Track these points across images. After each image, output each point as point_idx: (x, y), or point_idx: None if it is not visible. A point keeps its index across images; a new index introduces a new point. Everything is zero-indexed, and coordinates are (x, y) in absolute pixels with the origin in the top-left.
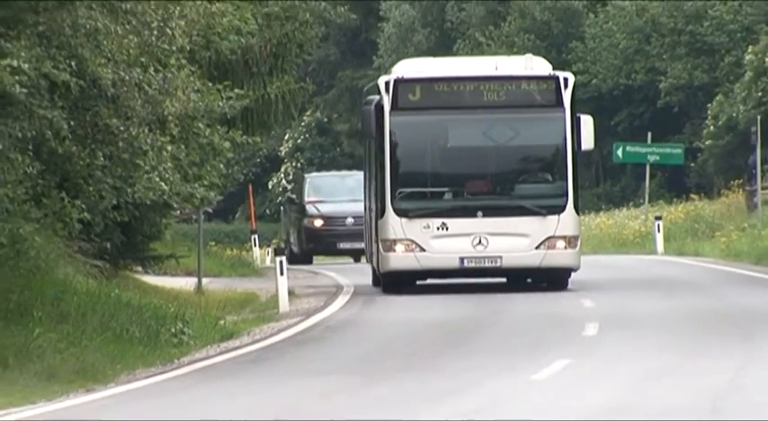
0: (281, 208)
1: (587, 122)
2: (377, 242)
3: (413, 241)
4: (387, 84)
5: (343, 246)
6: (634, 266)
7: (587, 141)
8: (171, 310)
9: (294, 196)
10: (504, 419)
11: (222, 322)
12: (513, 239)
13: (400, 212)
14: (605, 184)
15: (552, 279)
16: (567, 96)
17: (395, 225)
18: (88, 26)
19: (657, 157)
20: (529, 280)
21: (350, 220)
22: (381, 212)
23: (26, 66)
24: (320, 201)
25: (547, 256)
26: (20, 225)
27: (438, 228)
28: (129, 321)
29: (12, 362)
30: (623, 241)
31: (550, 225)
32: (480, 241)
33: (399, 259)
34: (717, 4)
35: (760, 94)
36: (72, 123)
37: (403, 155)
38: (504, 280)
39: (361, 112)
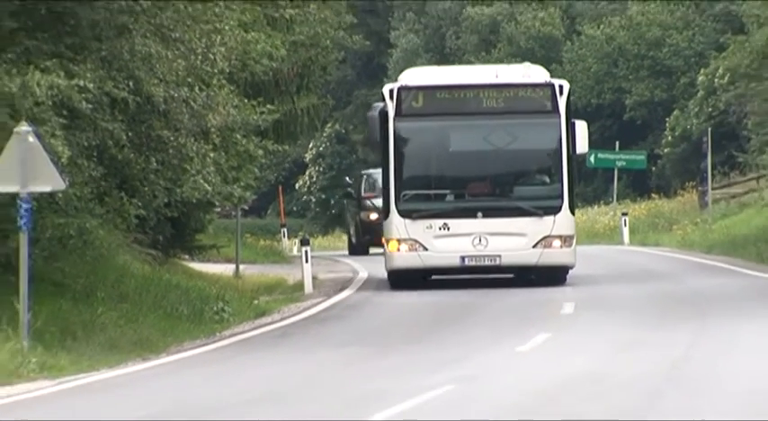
0: (343, 203)
1: (582, 127)
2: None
3: (416, 241)
4: (391, 91)
5: None
6: (604, 255)
7: (582, 145)
8: (213, 292)
9: (353, 192)
10: (494, 384)
11: (256, 302)
12: (512, 239)
13: (404, 213)
14: (580, 185)
15: (550, 276)
16: (562, 102)
17: (399, 225)
18: (143, 52)
19: (624, 163)
20: (533, 276)
21: None
22: (386, 213)
23: (91, 85)
24: (375, 196)
25: (544, 255)
26: (86, 220)
27: (440, 229)
28: (178, 301)
29: (80, 335)
30: (595, 233)
31: (547, 225)
32: (480, 240)
33: (403, 258)
34: (674, 34)
35: (710, 109)
36: (130, 134)
37: (406, 159)
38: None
39: (367, 119)
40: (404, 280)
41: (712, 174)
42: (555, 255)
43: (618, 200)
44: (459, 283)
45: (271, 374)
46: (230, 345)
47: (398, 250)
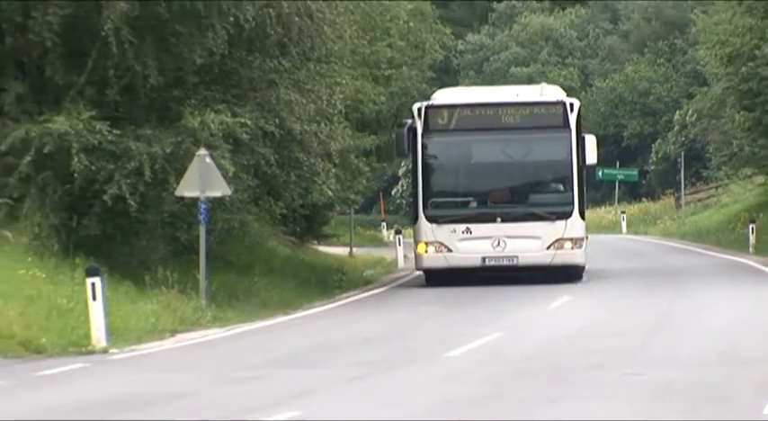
0: None
1: (591, 141)
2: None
3: (442, 243)
4: (419, 109)
5: None
6: (608, 242)
7: (591, 157)
8: (334, 267)
9: None
10: (532, 330)
11: (364, 274)
12: (528, 241)
13: (431, 219)
14: (590, 192)
15: (567, 274)
16: (572, 118)
17: (426, 229)
18: (286, 99)
19: (622, 176)
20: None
21: None
22: (415, 219)
23: (249, 122)
24: None
25: (557, 256)
26: (245, 217)
27: (463, 232)
28: (310, 273)
29: (241, 297)
30: (602, 226)
31: (559, 229)
32: (499, 243)
33: (431, 259)
34: (657, 86)
35: (683, 139)
36: (276, 156)
37: (433, 170)
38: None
39: (397, 134)
40: (431, 279)
41: (684, 184)
42: (567, 255)
43: (618, 202)
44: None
45: (376, 323)
46: (347, 304)
47: (426, 251)
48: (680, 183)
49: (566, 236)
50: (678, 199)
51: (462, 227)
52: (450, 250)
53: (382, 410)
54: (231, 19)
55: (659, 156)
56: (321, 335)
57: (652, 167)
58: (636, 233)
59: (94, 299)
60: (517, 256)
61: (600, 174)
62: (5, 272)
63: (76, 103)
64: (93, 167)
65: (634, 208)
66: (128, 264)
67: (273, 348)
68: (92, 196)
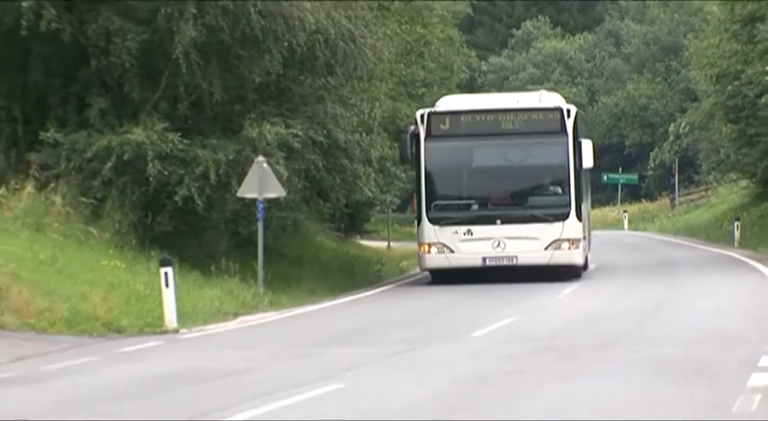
0: None
1: (587, 145)
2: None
3: (444, 244)
4: (422, 116)
5: None
6: (611, 237)
7: (587, 161)
8: (374, 258)
9: None
10: (543, 315)
11: (400, 265)
12: (526, 242)
13: (434, 221)
14: (596, 194)
15: (564, 273)
16: (569, 124)
17: (429, 231)
18: (332, 112)
19: (624, 180)
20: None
21: None
22: (418, 221)
23: (300, 133)
24: None
25: (554, 256)
26: (297, 215)
27: (464, 234)
28: (353, 264)
29: (293, 284)
30: (607, 223)
31: (556, 230)
32: (499, 244)
33: (434, 259)
34: (654, 101)
35: (677, 148)
36: (324, 162)
37: (435, 174)
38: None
39: (399, 140)
40: (440, 277)
41: (678, 187)
42: (564, 255)
43: (620, 203)
44: None
45: (409, 308)
46: (385, 291)
47: (429, 252)
48: (674, 186)
49: (563, 236)
50: (673, 200)
51: (463, 228)
52: (452, 251)
53: (417, 383)
54: (285, 44)
55: (656, 162)
56: (363, 317)
57: (650, 172)
58: (636, 229)
59: (167, 286)
60: (516, 257)
61: (604, 178)
62: (90, 262)
63: (151, 117)
64: (166, 172)
65: (634, 207)
66: (196, 255)
67: (322, 329)
68: (165, 197)
